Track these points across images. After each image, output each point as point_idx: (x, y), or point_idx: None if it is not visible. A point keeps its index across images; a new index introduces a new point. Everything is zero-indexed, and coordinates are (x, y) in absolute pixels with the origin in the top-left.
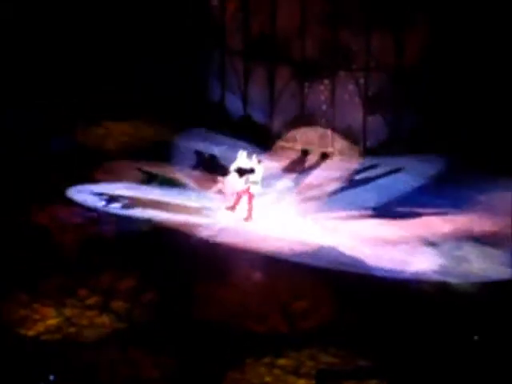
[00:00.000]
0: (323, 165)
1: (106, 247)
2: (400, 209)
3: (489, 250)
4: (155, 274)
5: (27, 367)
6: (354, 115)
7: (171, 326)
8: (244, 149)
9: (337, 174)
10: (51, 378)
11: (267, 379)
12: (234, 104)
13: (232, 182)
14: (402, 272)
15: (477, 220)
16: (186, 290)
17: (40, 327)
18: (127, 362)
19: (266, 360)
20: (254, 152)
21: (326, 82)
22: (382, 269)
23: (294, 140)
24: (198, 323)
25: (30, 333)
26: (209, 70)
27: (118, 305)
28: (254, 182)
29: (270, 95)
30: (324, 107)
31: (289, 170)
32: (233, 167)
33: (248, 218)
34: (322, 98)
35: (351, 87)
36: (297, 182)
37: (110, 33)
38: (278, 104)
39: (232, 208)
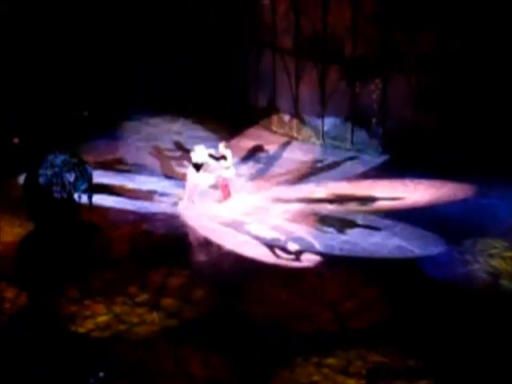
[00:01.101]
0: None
1: (157, 244)
2: None
3: None
4: (205, 272)
5: (77, 364)
6: (405, 114)
7: (221, 324)
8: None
9: None
10: (101, 374)
11: (316, 378)
12: (283, 104)
13: (191, 176)
14: (452, 270)
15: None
16: (237, 288)
17: (90, 324)
18: (177, 359)
19: (315, 359)
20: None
21: (377, 81)
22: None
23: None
24: (247, 321)
25: (81, 329)
26: (257, 70)
27: (168, 302)
28: (227, 167)
29: (321, 95)
30: (375, 106)
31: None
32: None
33: (222, 199)
34: (373, 97)
35: (402, 86)
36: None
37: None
38: (329, 104)
39: (224, 199)
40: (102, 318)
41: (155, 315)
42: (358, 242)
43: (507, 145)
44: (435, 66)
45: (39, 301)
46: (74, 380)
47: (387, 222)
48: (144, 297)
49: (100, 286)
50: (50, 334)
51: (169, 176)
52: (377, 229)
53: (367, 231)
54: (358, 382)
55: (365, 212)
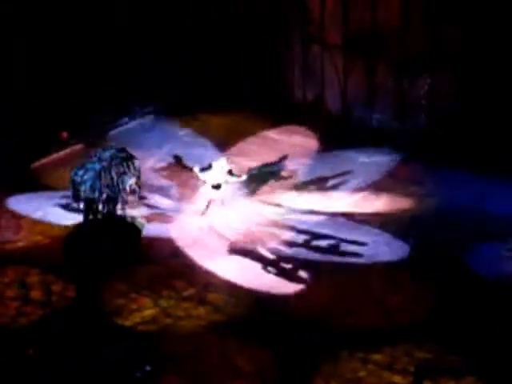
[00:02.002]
0: None
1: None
2: None
3: None
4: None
5: (124, 357)
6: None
7: (267, 319)
8: None
9: None
10: (147, 368)
11: (361, 374)
12: (331, 100)
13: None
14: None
15: None
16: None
17: (136, 317)
18: (222, 354)
19: (360, 355)
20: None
21: (426, 76)
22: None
23: None
24: (292, 316)
25: (127, 323)
26: (304, 65)
27: (215, 297)
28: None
29: (370, 90)
30: (423, 102)
31: None
32: (207, 180)
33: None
34: (422, 93)
35: (448, 82)
36: None
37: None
38: (378, 99)
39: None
40: (148, 312)
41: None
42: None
43: None
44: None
45: (86, 294)
46: (120, 373)
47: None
48: (190, 291)
49: (146, 280)
50: (96, 327)
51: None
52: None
53: None
54: (404, 378)
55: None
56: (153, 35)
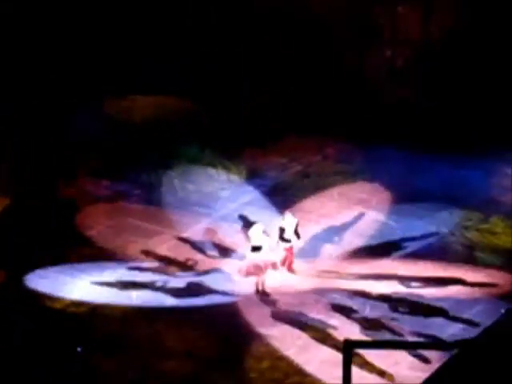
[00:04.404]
0: None
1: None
2: None
3: None
4: None
5: (55, 339)
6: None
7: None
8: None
9: None
10: (78, 349)
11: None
12: None
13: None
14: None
15: None
16: None
17: (67, 301)
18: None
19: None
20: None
21: None
22: None
23: None
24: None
25: (57, 305)
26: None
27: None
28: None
29: None
30: None
31: None
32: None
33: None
34: None
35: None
36: None
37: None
38: None
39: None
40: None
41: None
42: None
43: (485, 117)
44: None
45: (17, 277)
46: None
47: None
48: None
49: (77, 261)
50: (27, 309)
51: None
52: None
53: None
54: None
55: None
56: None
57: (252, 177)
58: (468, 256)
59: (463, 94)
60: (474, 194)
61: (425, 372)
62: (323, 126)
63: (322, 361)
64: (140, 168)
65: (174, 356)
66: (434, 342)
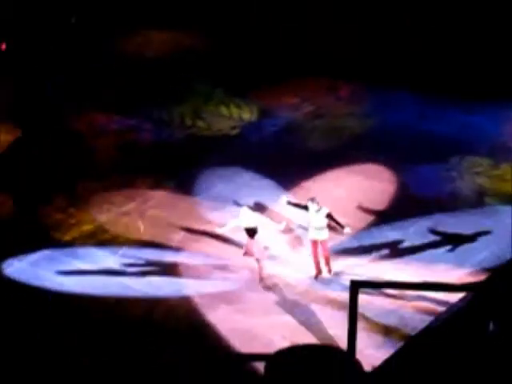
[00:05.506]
0: None
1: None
2: None
3: None
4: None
5: None
6: None
7: None
8: None
9: None
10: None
11: None
12: None
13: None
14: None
15: None
16: None
17: (75, 233)
18: None
19: None
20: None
21: None
22: None
23: None
24: None
25: (66, 237)
26: None
27: (154, 212)
28: (316, 228)
29: None
30: None
31: None
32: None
33: (317, 273)
34: None
35: None
36: None
37: None
38: None
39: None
40: (87, 227)
41: (140, 225)
42: None
43: (495, 63)
44: None
45: (25, 208)
46: None
47: None
48: (130, 206)
49: (86, 194)
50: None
51: None
52: None
53: None
54: None
55: None
56: None
57: (263, 116)
58: (478, 202)
59: (478, 40)
60: (485, 140)
61: (430, 315)
62: (337, 66)
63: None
64: (151, 104)
65: None
66: (442, 284)
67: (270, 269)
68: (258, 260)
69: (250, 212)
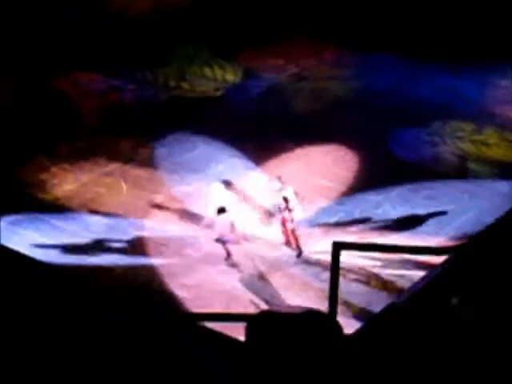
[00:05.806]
0: None
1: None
2: None
3: None
4: None
5: None
6: None
7: None
8: None
9: None
10: None
11: None
12: None
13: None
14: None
15: None
16: None
17: (58, 192)
18: None
19: None
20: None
21: None
22: None
23: None
24: None
25: (48, 197)
26: None
27: (137, 173)
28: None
29: None
30: None
31: None
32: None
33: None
34: None
35: None
36: None
37: None
38: None
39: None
40: (69, 187)
41: (123, 185)
42: None
43: (480, 27)
44: None
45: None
46: None
47: None
48: (112, 166)
49: (69, 154)
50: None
51: None
52: None
53: None
54: None
55: None
56: None
57: (248, 78)
58: (460, 166)
59: (463, 2)
60: (469, 104)
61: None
62: (322, 28)
63: None
64: (135, 64)
65: None
66: (426, 247)
67: (239, 247)
68: (225, 238)
69: (222, 188)
